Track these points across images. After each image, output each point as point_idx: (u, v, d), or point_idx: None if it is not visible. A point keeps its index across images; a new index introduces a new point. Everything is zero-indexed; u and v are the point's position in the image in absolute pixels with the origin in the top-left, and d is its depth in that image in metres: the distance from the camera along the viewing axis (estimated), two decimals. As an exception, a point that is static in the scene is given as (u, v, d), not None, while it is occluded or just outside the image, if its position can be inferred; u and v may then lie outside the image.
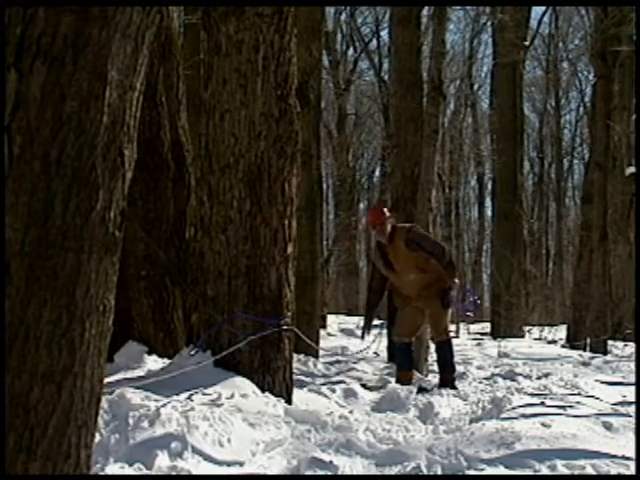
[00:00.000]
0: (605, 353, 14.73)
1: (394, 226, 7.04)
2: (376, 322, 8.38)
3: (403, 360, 7.11)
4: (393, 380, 7.14)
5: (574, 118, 38.14)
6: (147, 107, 6.58)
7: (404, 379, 6.90)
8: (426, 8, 14.13)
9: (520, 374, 8.63)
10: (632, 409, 5.86)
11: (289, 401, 5.17)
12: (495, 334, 20.62)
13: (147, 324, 6.73)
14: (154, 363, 6.20)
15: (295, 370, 5.89)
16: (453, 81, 31.15)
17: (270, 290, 5.23)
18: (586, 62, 30.90)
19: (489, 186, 32.97)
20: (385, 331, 9.69)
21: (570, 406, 5.69)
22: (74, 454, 2.19)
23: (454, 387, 6.92)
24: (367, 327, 7.38)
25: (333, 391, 6.49)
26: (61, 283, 2.11)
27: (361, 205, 36.39)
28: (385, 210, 7.20)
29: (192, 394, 4.47)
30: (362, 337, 7.49)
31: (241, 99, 5.25)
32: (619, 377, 9.09)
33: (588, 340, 15.91)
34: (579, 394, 6.73)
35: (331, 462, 3.80)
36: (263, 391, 4.95)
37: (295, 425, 4.50)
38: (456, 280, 7.07)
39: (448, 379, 7.01)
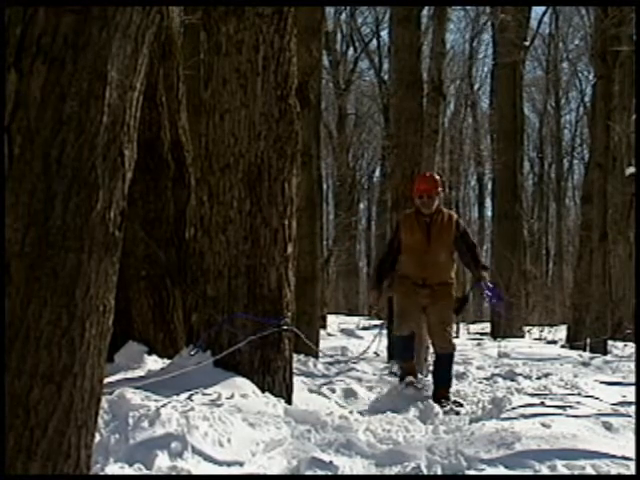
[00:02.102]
0: (605, 353, 14.73)
1: (439, 204, 6.57)
2: (376, 322, 8.28)
3: (405, 351, 6.55)
4: (391, 379, 7.12)
5: (574, 118, 38.25)
6: (147, 107, 6.58)
7: (408, 369, 6.46)
8: (426, 8, 14.16)
9: (520, 374, 8.64)
10: (632, 409, 5.86)
11: (289, 401, 5.17)
12: (495, 334, 20.64)
13: (147, 324, 6.73)
14: (154, 363, 6.20)
15: (295, 370, 5.89)
16: (453, 81, 31.18)
17: (270, 290, 5.23)
18: (586, 62, 30.95)
19: (489, 186, 33.02)
20: (385, 331, 9.70)
21: (570, 406, 5.68)
22: (74, 454, 2.19)
23: (448, 399, 6.30)
24: (377, 296, 6.77)
25: (333, 391, 6.50)
26: (61, 283, 2.11)
27: (361, 205, 36.45)
28: (439, 181, 6.64)
29: (192, 394, 4.47)
30: (375, 304, 7.11)
31: (241, 99, 5.25)
32: (619, 377, 9.09)
33: (588, 340, 15.91)
34: (579, 394, 6.72)
35: (331, 462, 3.80)
36: (263, 391, 4.95)
37: (295, 425, 4.50)
38: (485, 274, 6.62)
39: (444, 395, 6.27)
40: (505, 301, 6.83)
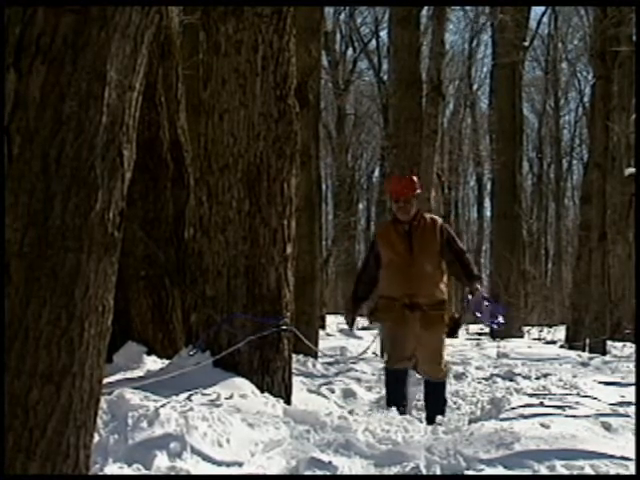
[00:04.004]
0: (604, 353, 14.75)
1: (418, 208, 5.82)
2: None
3: (397, 394, 5.68)
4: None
5: (573, 118, 38.28)
6: (146, 107, 6.58)
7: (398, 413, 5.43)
8: (426, 8, 14.16)
9: (519, 374, 8.65)
10: (631, 409, 5.87)
11: (288, 401, 5.16)
12: (494, 334, 20.63)
13: (146, 324, 6.73)
14: (153, 363, 6.20)
15: (294, 370, 5.89)
16: (452, 81, 31.25)
17: (269, 290, 5.23)
18: (585, 62, 30.97)
19: (488, 186, 33.00)
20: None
21: (569, 406, 5.69)
22: (73, 454, 2.19)
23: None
24: (352, 320, 6.03)
25: (332, 391, 6.50)
26: (60, 283, 2.11)
27: (360, 205, 36.46)
28: (417, 183, 5.83)
29: (191, 394, 4.46)
30: (350, 327, 6.17)
31: (240, 99, 5.25)
32: (618, 377, 9.10)
33: (587, 340, 15.93)
34: (578, 394, 6.73)
35: (330, 462, 3.79)
36: (262, 391, 4.94)
37: (294, 425, 4.49)
38: (479, 286, 5.78)
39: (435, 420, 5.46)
40: (504, 308, 6.23)
